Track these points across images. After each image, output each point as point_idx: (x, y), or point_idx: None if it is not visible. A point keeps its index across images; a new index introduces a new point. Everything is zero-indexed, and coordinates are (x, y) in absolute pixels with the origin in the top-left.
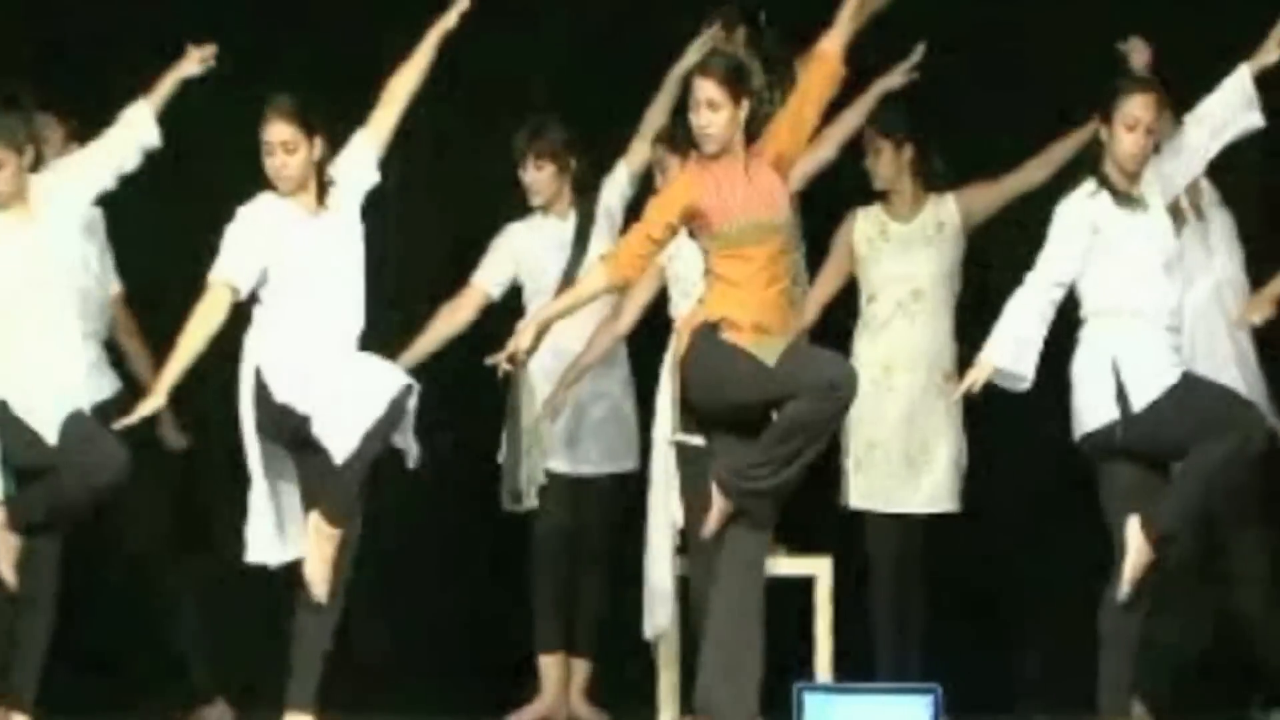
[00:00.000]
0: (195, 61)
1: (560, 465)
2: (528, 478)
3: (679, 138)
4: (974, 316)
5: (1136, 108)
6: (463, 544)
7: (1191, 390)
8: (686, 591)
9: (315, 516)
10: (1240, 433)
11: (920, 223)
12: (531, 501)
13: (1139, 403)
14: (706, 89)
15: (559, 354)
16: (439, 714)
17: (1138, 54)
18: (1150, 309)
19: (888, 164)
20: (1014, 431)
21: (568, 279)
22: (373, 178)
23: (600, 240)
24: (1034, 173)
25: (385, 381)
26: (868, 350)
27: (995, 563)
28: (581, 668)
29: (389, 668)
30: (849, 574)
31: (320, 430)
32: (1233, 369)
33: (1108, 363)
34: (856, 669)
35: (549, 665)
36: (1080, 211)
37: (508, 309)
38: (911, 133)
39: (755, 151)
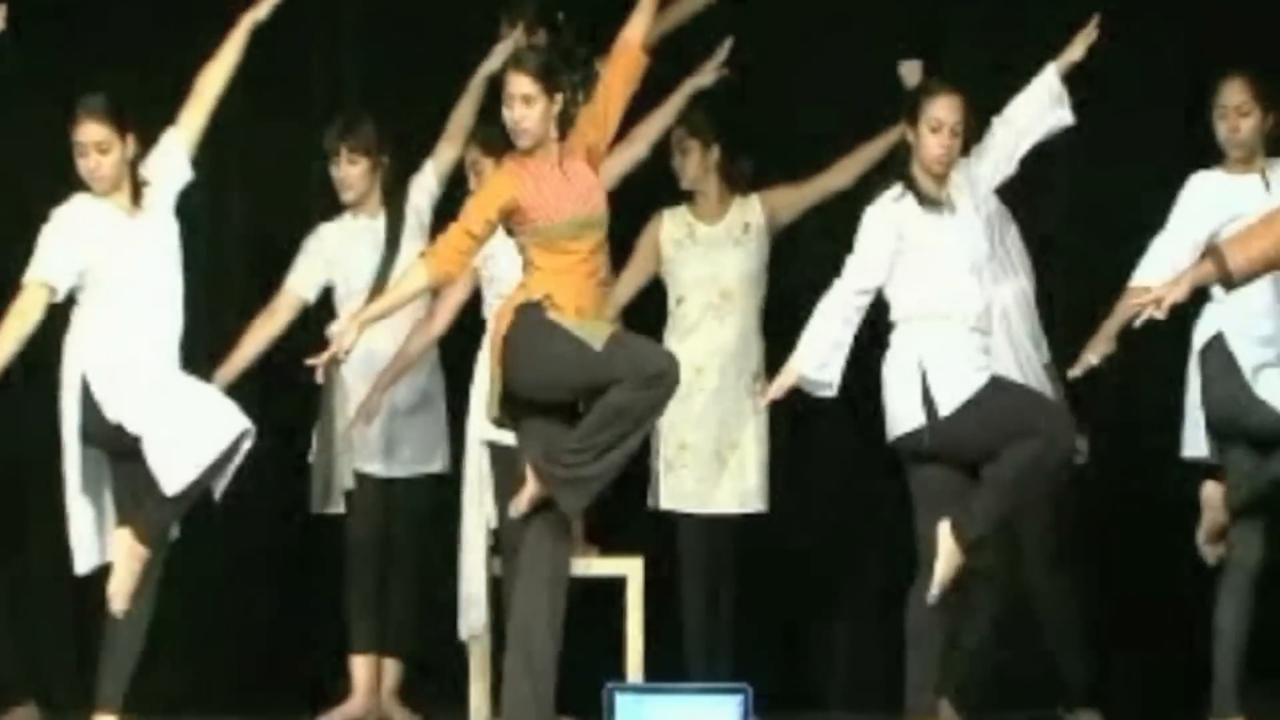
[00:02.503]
0: None
1: (371, 467)
2: (337, 480)
3: (492, 139)
4: (779, 318)
5: (940, 110)
6: (272, 544)
7: (999, 394)
8: (500, 593)
9: (128, 534)
10: (1046, 436)
11: (727, 224)
12: (339, 504)
13: (945, 408)
14: (520, 84)
15: (369, 356)
16: (249, 715)
17: (910, 74)
18: (957, 312)
19: (695, 164)
20: (821, 432)
21: (380, 279)
22: (185, 176)
23: (411, 241)
24: (839, 175)
25: (225, 423)
26: (678, 349)
27: (804, 563)
28: (393, 669)
29: (198, 668)
30: (660, 574)
31: (153, 459)
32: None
33: (915, 367)
34: (667, 669)
35: (360, 666)
36: (885, 217)
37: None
38: (719, 133)
39: (568, 148)
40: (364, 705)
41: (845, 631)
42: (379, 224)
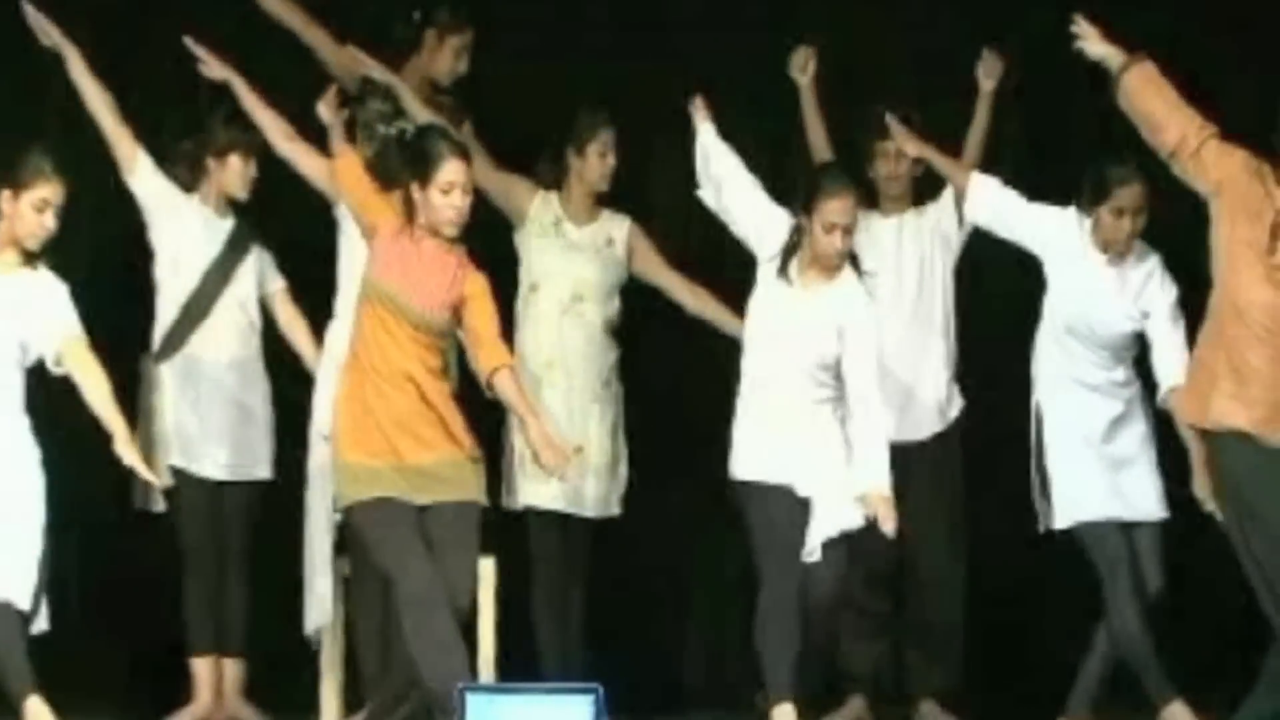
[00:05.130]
0: None
1: (196, 467)
2: (155, 479)
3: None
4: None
5: (834, 214)
6: (110, 544)
7: None
8: (350, 591)
9: None
10: None
11: (592, 231)
12: (159, 503)
13: None
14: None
15: (189, 357)
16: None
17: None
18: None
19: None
20: (678, 436)
21: (210, 278)
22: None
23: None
24: (690, 298)
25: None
26: (531, 343)
27: (658, 563)
28: (236, 669)
29: (38, 671)
30: (513, 574)
31: None
32: None
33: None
34: (520, 669)
35: (201, 667)
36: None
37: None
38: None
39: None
40: (207, 707)
41: (701, 632)
42: (226, 224)
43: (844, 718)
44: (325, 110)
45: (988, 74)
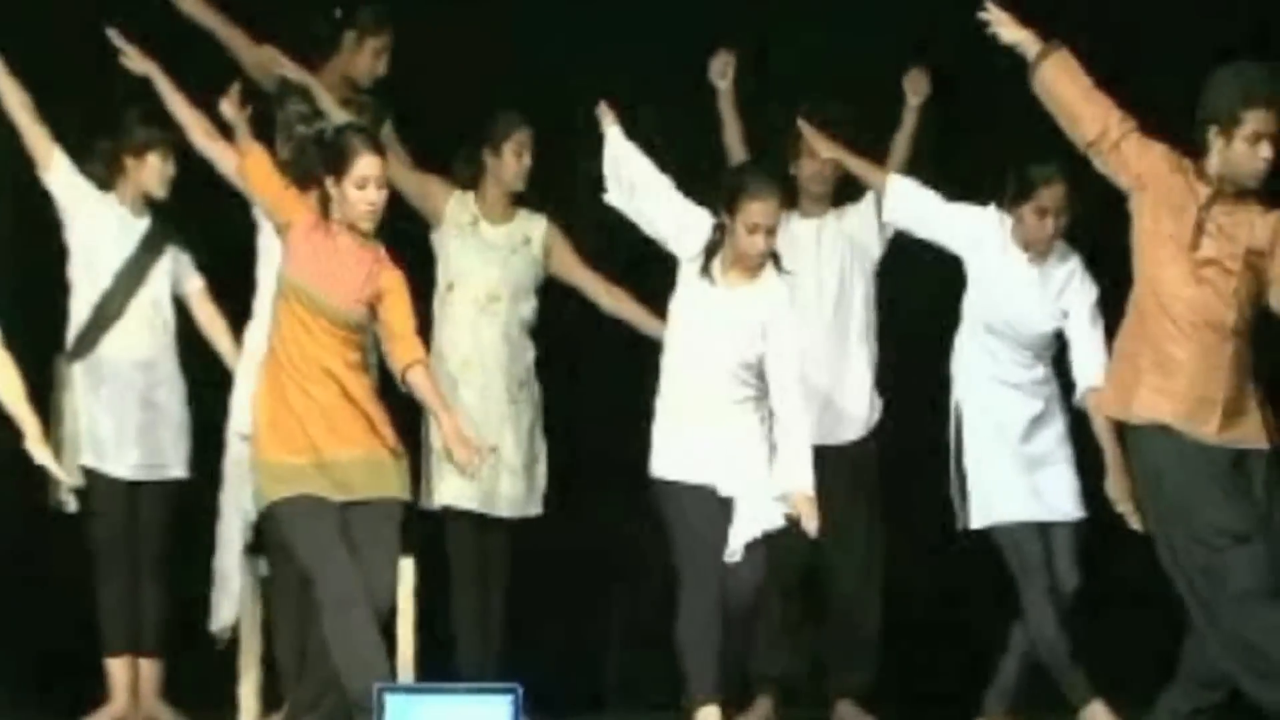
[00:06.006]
0: None
1: (108, 467)
2: (65, 478)
3: None
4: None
5: (757, 215)
6: (24, 543)
7: None
8: (267, 591)
9: None
10: None
11: (509, 230)
12: (71, 503)
13: None
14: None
15: (102, 357)
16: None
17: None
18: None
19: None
20: (598, 436)
21: (123, 279)
22: None
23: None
24: (607, 299)
25: None
26: (447, 342)
27: (578, 562)
28: (152, 669)
29: None
30: (432, 574)
31: None
32: None
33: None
34: (439, 669)
35: (116, 667)
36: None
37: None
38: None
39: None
40: (124, 707)
41: (621, 632)
42: (142, 223)
43: (753, 718)
44: (229, 107)
45: (914, 91)
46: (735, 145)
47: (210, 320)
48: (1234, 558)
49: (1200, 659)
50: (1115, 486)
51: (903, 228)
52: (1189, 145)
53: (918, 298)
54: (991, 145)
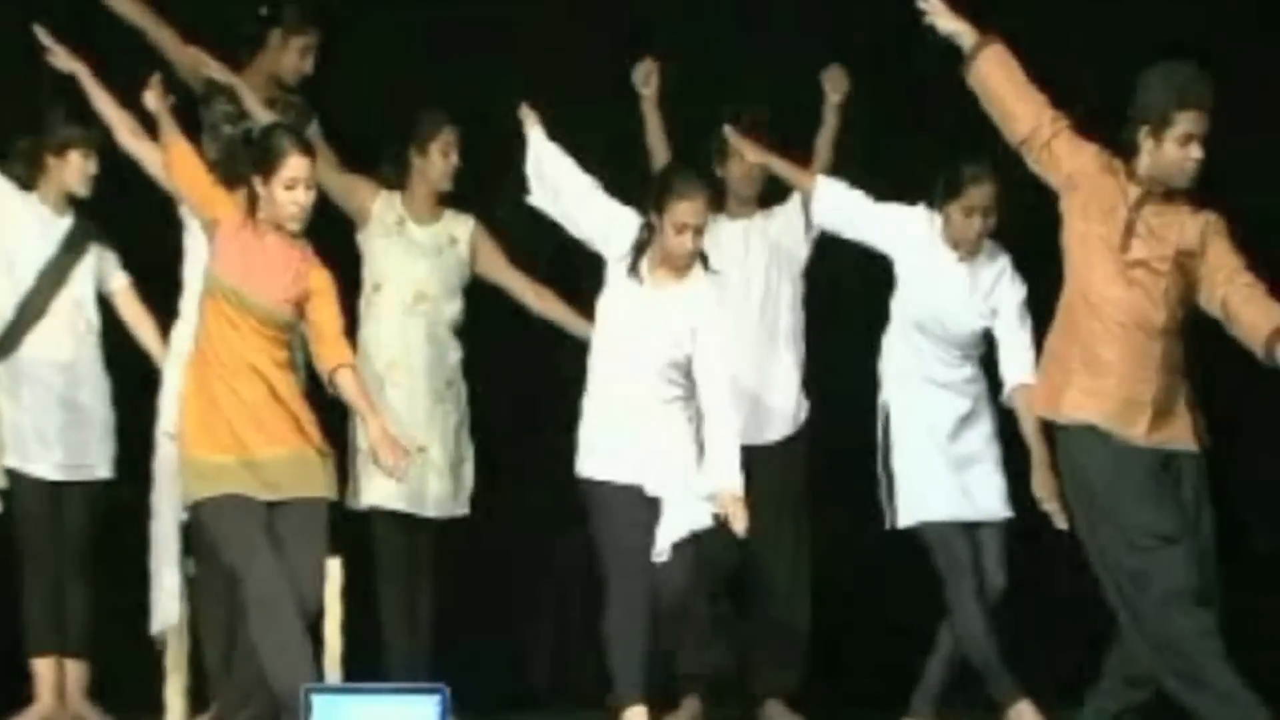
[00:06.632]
0: None
1: (31, 468)
2: None
3: None
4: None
5: (685, 215)
6: None
7: None
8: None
9: None
10: None
11: (435, 230)
12: None
13: None
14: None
15: (25, 358)
16: None
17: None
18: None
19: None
20: (526, 435)
21: (46, 279)
22: None
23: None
24: (534, 299)
25: None
26: (374, 342)
27: (506, 562)
28: (79, 669)
29: None
30: (360, 573)
31: None
32: None
33: None
34: (367, 669)
35: (43, 668)
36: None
37: None
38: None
39: None
40: (50, 708)
41: (548, 630)
42: (64, 223)
43: (680, 718)
44: (152, 99)
45: (834, 88)
46: (659, 148)
47: (137, 318)
48: (1160, 559)
49: (1127, 659)
50: (1041, 485)
51: (832, 229)
52: (1118, 145)
53: (846, 298)
54: (922, 144)
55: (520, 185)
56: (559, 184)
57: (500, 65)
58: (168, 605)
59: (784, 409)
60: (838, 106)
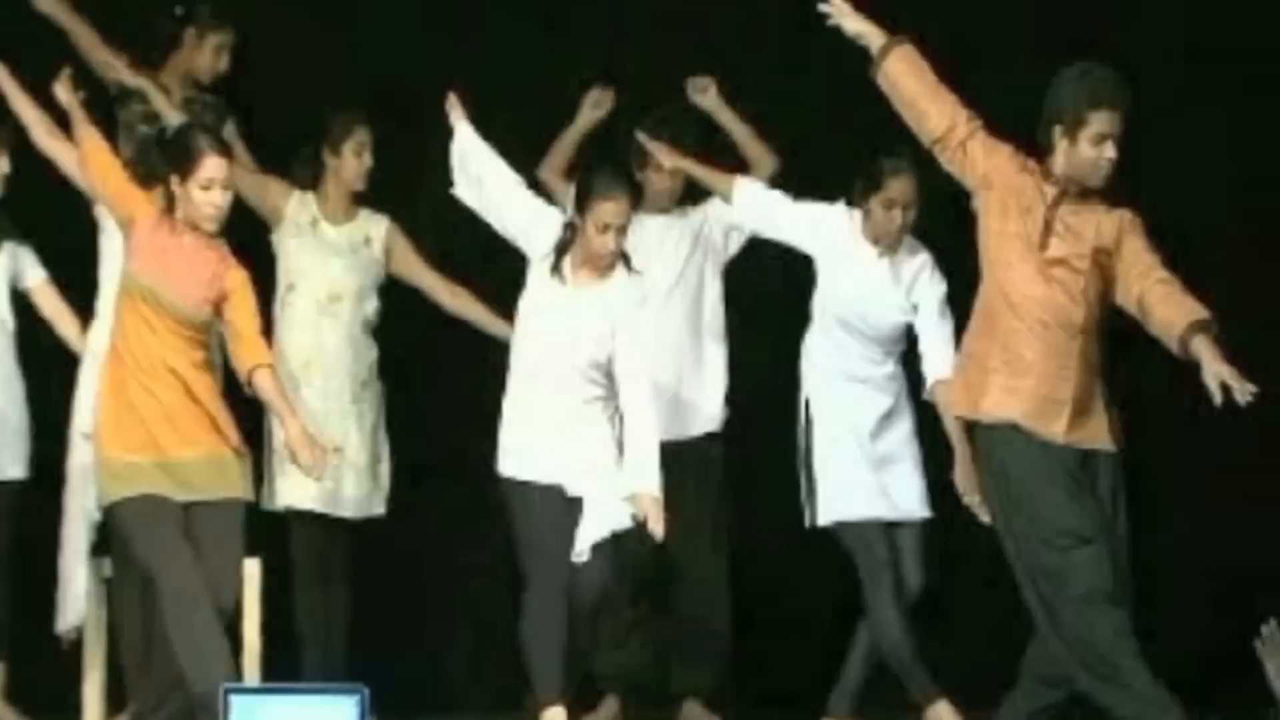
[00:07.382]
0: None
1: None
2: None
3: None
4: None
5: (608, 215)
6: None
7: None
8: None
9: None
10: None
11: (349, 231)
12: None
13: None
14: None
15: None
16: None
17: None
18: None
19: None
20: (444, 435)
21: None
22: None
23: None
24: (448, 297)
25: None
26: (288, 343)
27: (423, 562)
28: None
29: None
30: (278, 574)
31: None
32: None
33: None
34: (285, 670)
35: None
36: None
37: None
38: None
39: None
40: None
41: (466, 630)
42: None
43: (599, 718)
44: (62, 92)
45: (699, 91)
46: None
47: (57, 312)
48: (1077, 559)
49: (1043, 658)
50: (964, 479)
51: (752, 230)
52: (1031, 144)
53: (767, 296)
54: (843, 141)
55: (438, 183)
56: (483, 177)
57: (418, 59)
58: (75, 606)
59: (707, 406)
60: (714, 110)
